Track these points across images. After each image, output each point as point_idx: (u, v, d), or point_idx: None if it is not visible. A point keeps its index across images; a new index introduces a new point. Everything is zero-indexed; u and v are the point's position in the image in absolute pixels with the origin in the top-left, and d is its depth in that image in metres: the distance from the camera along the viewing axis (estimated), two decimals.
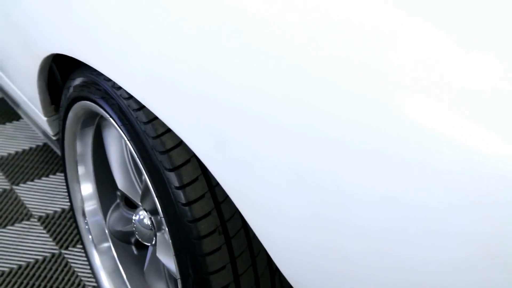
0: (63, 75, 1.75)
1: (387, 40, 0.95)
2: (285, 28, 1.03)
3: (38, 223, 2.13)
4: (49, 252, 2.03)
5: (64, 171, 1.77)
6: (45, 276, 1.97)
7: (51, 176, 2.30)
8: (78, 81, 1.53)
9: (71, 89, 1.56)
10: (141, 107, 1.33)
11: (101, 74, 1.43)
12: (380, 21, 0.96)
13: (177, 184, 1.28)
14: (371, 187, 0.95)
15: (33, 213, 2.16)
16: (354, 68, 0.96)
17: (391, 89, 0.92)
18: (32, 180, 2.28)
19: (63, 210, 2.17)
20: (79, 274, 1.97)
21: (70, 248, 2.05)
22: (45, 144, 2.42)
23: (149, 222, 1.51)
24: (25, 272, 1.98)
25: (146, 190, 1.50)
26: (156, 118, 1.31)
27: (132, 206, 1.71)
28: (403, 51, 0.93)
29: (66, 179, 1.78)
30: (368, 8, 0.98)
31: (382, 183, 0.94)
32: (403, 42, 0.94)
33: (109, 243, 1.77)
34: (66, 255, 2.03)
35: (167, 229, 1.34)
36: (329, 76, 0.97)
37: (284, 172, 1.05)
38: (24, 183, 2.27)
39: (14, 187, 2.26)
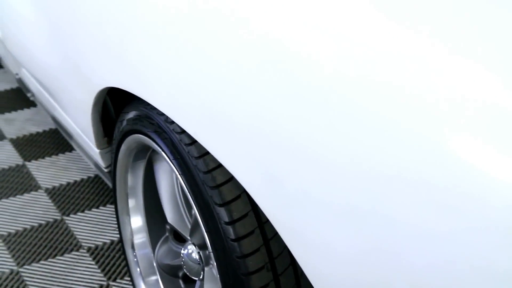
0: (116, 108, 1.77)
1: (441, 76, 0.94)
2: (337, 64, 1.03)
3: (87, 254, 2.14)
4: (97, 284, 2.05)
5: (114, 203, 1.79)
6: None
7: (101, 207, 2.32)
8: (131, 114, 1.54)
9: (124, 122, 1.58)
10: (193, 141, 1.33)
11: (155, 108, 1.44)
12: (435, 57, 0.96)
13: (226, 220, 1.29)
14: (423, 225, 0.95)
15: (83, 244, 2.18)
16: (408, 104, 0.95)
17: (447, 128, 0.92)
18: (82, 211, 2.30)
19: (112, 242, 2.18)
20: None
21: (118, 280, 2.06)
22: (96, 176, 2.45)
23: (197, 257, 1.51)
24: None
25: (195, 225, 1.51)
26: (207, 153, 1.31)
27: (181, 240, 1.71)
28: (458, 88, 0.93)
29: (116, 211, 1.79)
30: (420, 43, 0.98)
31: (434, 221, 0.93)
32: (457, 78, 0.93)
33: (157, 276, 1.78)
34: (114, 287, 2.04)
35: (215, 264, 1.34)
36: (383, 112, 0.97)
37: (335, 210, 1.05)
38: (75, 214, 2.29)
39: (65, 217, 2.28)
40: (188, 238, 1.55)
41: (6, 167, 2.50)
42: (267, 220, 1.28)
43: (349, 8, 1.06)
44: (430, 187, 0.93)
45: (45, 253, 2.15)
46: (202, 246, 1.50)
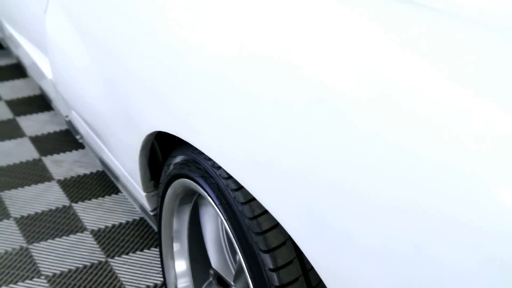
0: (164, 152, 1.79)
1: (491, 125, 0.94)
2: (385, 111, 1.03)
3: None
4: None
5: (159, 246, 1.79)
6: None
7: (146, 250, 2.33)
8: (178, 158, 1.56)
9: (171, 167, 1.59)
10: (239, 187, 1.34)
11: (202, 153, 1.45)
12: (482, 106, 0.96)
13: (271, 266, 1.28)
14: (465, 268, 0.94)
15: (127, 286, 2.18)
16: (457, 149, 0.95)
17: (499, 176, 0.91)
18: (127, 254, 2.31)
19: (156, 285, 2.19)
20: None
21: None
22: (142, 219, 2.46)
23: None
24: None
25: (239, 270, 1.50)
26: (253, 199, 1.32)
27: (224, 285, 1.71)
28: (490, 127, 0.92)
29: (161, 254, 1.80)
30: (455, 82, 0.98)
31: (480, 270, 0.92)
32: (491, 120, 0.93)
33: None
34: None
35: None
36: (432, 156, 0.97)
37: (383, 257, 1.04)
38: (119, 256, 2.30)
39: (110, 259, 2.29)
40: (232, 283, 1.55)
41: (53, 208, 2.53)
42: (312, 268, 1.28)
43: (399, 54, 1.07)
44: (479, 235, 0.92)
45: None
46: None
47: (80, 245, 2.35)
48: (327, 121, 1.10)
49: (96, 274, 2.23)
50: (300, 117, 1.14)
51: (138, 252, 2.32)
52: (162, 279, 2.17)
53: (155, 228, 1.94)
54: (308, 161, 1.12)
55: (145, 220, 2.45)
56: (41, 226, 2.43)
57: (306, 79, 1.14)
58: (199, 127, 1.38)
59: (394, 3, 1.23)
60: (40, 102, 3.21)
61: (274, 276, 1.28)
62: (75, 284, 2.19)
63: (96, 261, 2.28)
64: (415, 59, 1.06)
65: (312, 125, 1.12)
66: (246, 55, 1.25)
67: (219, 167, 1.39)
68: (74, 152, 2.87)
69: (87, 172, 2.74)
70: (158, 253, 2.29)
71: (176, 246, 1.76)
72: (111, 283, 2.20)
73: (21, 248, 2.33)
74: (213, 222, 1.65)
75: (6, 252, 2.31)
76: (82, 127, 2.19)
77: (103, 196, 2.59)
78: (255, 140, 1.22)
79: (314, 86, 1.13)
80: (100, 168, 2.74)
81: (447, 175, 0.95)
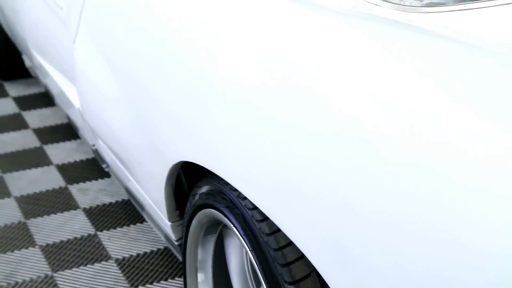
0: (189, 181, 1.79)
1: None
2: (413, 142, 1.03)
3: None
4: None
5: (183, 276, 1.79)
6: None
7: (170, 280, 2.32)
8: (204, 189, 1.56)
9: (197, 197, 1.59)
10: (265, 218, 1.34)
11: (227, 184, 1.46)
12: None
13: None
14: None
15: None
16: (476, 174, 0.95)
17: None
18: (151, 283, 2.31)
19: None
20: None
21: None
22: (166, 248, 2.46)
23: None
24: None
25: None
26: (278, 230, 1.31)
27: None
28: None
29: (185, 284, 1.79)
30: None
31: None
32: None
33: None
34: None
35: None
36: (454, 182, 0.97)
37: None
38: (143, 285, 2.30)
39: None
40: None
41: (78, 236, 2.54)
42: None
43: (427, 89, 1.07)
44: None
45: None
46: None
47: (105, 273, 2.35)
48: (354, 152, 1.09)
49: None
50: (326, 149, 1.14)
51: (162, 282, 2.32)
52: None
53: (180, 258, 1.94)
54: (334, 192, 1.12)
55: (170, 250, 2.45)
56: (66, 254, 2.44)
57: (334, 110, 1.14)
58: (225, 157, 1.38)
59: (417, 35, 1.24)
60: (67, 131, 3.23)
61: None
62: None
63: None
64: (437, 91, 1.06)
65: (339, 156, 1.12)
66: (274, 85, 1.26)
67: (245, 198, 1.39)
68: (100, 180, 2.88)
69: (113, 201, 2.75)
70: (182, 283, 2.29)
71: (200, 277, 1.75)
72: None
73: (46, 276, 2.34)
74: (238, 252, 1.64)
75: (31, 280, 2.32)
76: (108, 156, 2.20)
77: (128, 225, 2.59)
78: (281, 171, 1.22)
79: (341, 117, 1.13)
80: (126, 197, 2.75)
81: (479, 206, 0.95)
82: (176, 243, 1.90)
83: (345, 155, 1.11)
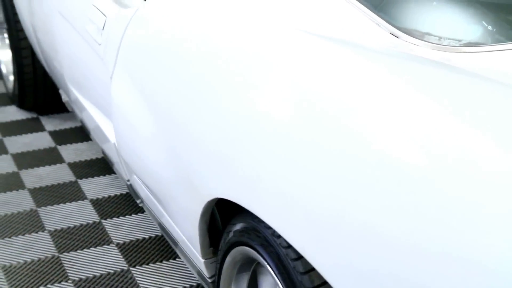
0: (223, 218, 1.78)
1: None
2: (447, 179, 1.02)
3: None
4: None
5: None
6: None
7: None
8: (238, 226, 1.55)
9: (231, 234, 1.58)
10: (299, 257, 1.33)
11: (262, 221, 1.45)
12: None
13: None
14: None
15: None
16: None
17: None
18: None
19: None
20: None
21: None
22: (199, 285, 2.45)
23: None
24: None
25: None
26: (313, 269, 1.30)
27: None
28: None
29: None
30: None
31: None
32: None
33: None
34: None
35: None
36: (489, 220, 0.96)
37: None
38: None
39: None
40: None
41: (111, 271, 2.54)
42: None
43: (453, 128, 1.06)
44: None
45: None
46: None
47: None
48: (393, 191, 1.09)
49: None
50: (365, 187, 1.13)
51: None
52: None
53: None
54: (372, 232, 1.11)
55: (203, 287, 2.44)
56: None
57: (373, 147, 1.14)
58: (259, 195, 1.38)
59: (455, 75, 1.24)
60: (102, 166, 3.25)
61: None
62: None
63: None
64: (473, 130, 1.06)
65: (378, 195, 1.11)
66: (310, 123, 1.25)
67: (279, 236, 1.38)
68: (133, 216, 2.89)
69: (146, 236, 2.75)
70: None
71: None
72: None
73: None
74: None
75: None
76: (142, 192, 2.20)
77: (161, 261, 2.59)
78: (317, 209, 1.22)
79: (380, 155, 1.12)
80: (159, 233, 2.75)
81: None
82: (209, 280, 1.90)
83: (384, 193, 1.10)
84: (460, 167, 1.03)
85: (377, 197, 1.11)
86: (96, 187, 3.09)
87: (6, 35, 3.79)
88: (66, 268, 2.55)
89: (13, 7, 3.35)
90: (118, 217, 2.88)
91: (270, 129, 1.34)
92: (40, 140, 3.46)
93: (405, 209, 1.07)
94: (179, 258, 2.57)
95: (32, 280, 2.48)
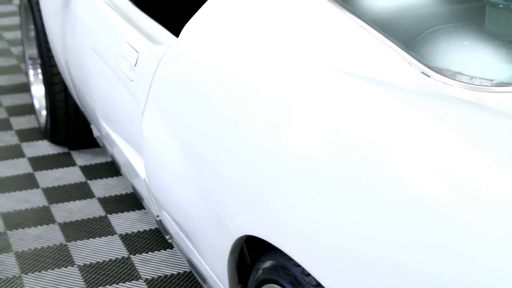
0: (253, 256, 1.78)
1: None
2: (476, 217, 1.02)
3: None
4: None
5: None
6: None
7: None
8: (268, 263, 1.55)
9: (260, 271, 1.58)
10: None
11: (291, 259, 1.44)
12: None
13: None
14: None
15: None
16: None
17: None
18: None
19: None
20: None
21: None
22: None
23: None
24: None
25: None
26: None
27: None
28: None
29: None
30: None
31: None
32: None
33: None
34: None
35: None
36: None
37: None
38: None
39: None
40: None
41: None
42: None
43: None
44: None
45: None
46: None
47: None
48: (423, 231, 1.08)
49: None
50: (395, 226, 1.12)
51: None
52: None
53: None
54: (404, 272, 1.10)
55: None
56: None
57: (403, 187, 1.13)
58: (289, 233, 1.38)
59: (487, 115, 1.23)
60: (132, 201, 3.26)
61: None
62: None
63: None
64: (505, 173, 1.05)
65: (408, 235, 1.10)
66: (341, 160, 1.25)
67: (309, 274, 1.37)
68: (162, 251, 2.89)
69: (175, 272, 2.74)
70: None
71: None
72: None
73: None
74: None
75: None
76: (172, 227, 2.21)
77: None
78: (347, 248, 1.21)
79: (410, 195, 1.12)
80: (188, 269, 2.75)
81: None
82: None
83: (416, 232, 1.09)
84: (491, 207, 1.03)
85: (409, 236, 1.10)
86: (126, 222, 3.10)
87: (39, 71, 3.84)
88: None
89: (47, 42, 3.40)
90: (147, 252, 2.88)
91: (300, 167, 1.34)
92: (71, 175, 3.48)
93: (438, 249, 1.06)
94: None
95: None
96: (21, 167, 3.54)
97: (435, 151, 1.15)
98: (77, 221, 3.11)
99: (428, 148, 1.16)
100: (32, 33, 3.84)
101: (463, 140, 1.15)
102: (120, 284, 2.67)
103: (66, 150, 3.72)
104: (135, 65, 2.18)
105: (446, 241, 1.05)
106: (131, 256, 2.86)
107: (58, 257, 2.84)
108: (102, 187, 3.39)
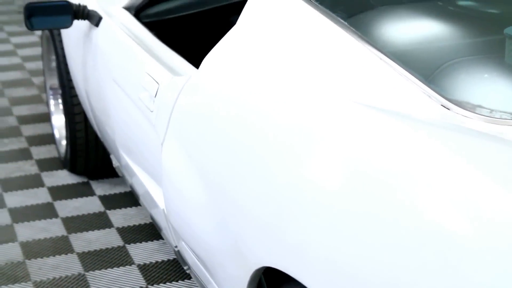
0: (271, 286, 1.77)
1: None
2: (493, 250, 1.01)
3: None
4: None
5: None
6: None
7: None
8: None
9: None
10: None
11: None
12: None
13: None
14: None
15: None
16: None
17: None
18: None
19: None
20: None
21: None
22: None
23: None
24: None
25: None
26: None
27: None
28: None
29: None
30: None
31: None
32: None
33: None
34: None
35: None
36: None
37: None
38: None
39: None
40: None
41: None
42: None
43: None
44: None
45: None
46: None
47: None
48: (443, 263, 1.08)
49: None
50: (414, 259, 1.12)
51: None
52: None
53: None
54: None
55: None
56: None
57: (423, 219, 1.13)
58: (307, 264, 1.37)
59: (507, 149, 1.23)
60: (150, 231, 3.27)
61: None
62: None
63: None
64: None
65: (426, 265, 1.10)
66: (363, 193, 1.25)
67: None
68: (180, 282, 2.89)
69: None
70: None
71: None
72: None
73: None
74: None
75: None
76: (190, 258, 2.21)
77: None
78: (367, 280, 1.21)
79: (430, 226, 1.11)
80: None
81: None
82: None
83: (436, 264, 1.09)
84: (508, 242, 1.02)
85: (428, 267, 1.10)
86: (144, 252, 3.10)
87: (60, 101, 3.87)
88: None
89: (68, 73, 3.43)
90: (165, 283, 2.88)
91: (320, 199, 1.34)
92: (90, 205, 3.50)
93: (459, 283, 1.05)
94: None
95: None
96: (40, 196, 3.56)
97: (455, 186, 1.14)
98: (95, 250, 3.11)
99: (448, 182, 1.16)
100: (54, 64, 3.87)
101: (484, 174, 1.15)
102: None
103: (85, 179, 3.74)
104: (155, 96, 2.20)
105: (466, 275, 1.05)
106: (149, 286, 2.85)
107: (76, 287, 2.84)
108: (121, 217, 3.40)
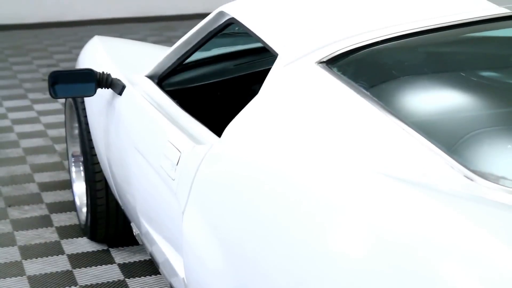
0: None
1: None
2: None
3: None
4: None
5: None
6: None
7: None
8: None
9: None
10: None
11: None
12: None
13: None
14: None
15: None
16: None
17: None
18: None
19: None
20: None
21: None
22: None
23: None
24: None
25: None
26: None
27: None
28: None
29: None
30: None
31: None
32: None
33: None
34: None
35: None
36: None
37: None
38: None
39: None
40: None
41: None
42: None
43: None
44: None
45: None
46: None
47: None
48: None
49: None
50: None
51: None
52: None
53: None
54: None
55: None
56: None
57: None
58: None
59: None
60: None
61: None
62: None
63: None
64: None
65: None
66: (387, 264, 1.24)
67: None
68: None
69: None
70: None
71: None
72: None
73: None
74: None
75: None
76: None
77: None
78: None
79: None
80: None
81: None
82: None
83: None
84: None
85: None
86: None
87: (81, 168, 3.88)
88: None
89: (90, 140, 3.45)
90: None
91: (344, 268, 1.33)
92: (109, 273, 3.48)
93: None
94: None
95: None
96: (60, 264, 3.55)
97: (478, 259, 1.13)
98: None
99: (472, 255, 1.14)
100: (76, 131, 3.90)
101: (507, 246, 1.14)
102: None
103: (105, 247, 3.73)
104: (177, 164, 2.20)
105: None
106: None
107: None
108: (140, 285, 3.38)
